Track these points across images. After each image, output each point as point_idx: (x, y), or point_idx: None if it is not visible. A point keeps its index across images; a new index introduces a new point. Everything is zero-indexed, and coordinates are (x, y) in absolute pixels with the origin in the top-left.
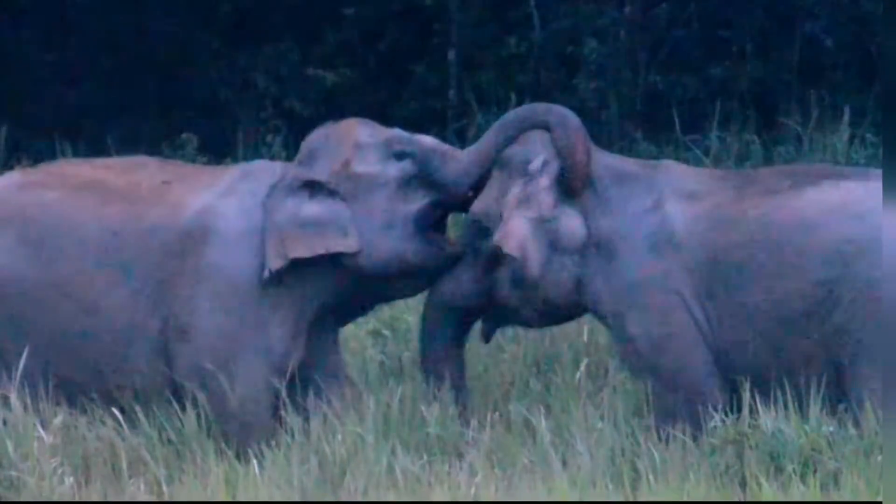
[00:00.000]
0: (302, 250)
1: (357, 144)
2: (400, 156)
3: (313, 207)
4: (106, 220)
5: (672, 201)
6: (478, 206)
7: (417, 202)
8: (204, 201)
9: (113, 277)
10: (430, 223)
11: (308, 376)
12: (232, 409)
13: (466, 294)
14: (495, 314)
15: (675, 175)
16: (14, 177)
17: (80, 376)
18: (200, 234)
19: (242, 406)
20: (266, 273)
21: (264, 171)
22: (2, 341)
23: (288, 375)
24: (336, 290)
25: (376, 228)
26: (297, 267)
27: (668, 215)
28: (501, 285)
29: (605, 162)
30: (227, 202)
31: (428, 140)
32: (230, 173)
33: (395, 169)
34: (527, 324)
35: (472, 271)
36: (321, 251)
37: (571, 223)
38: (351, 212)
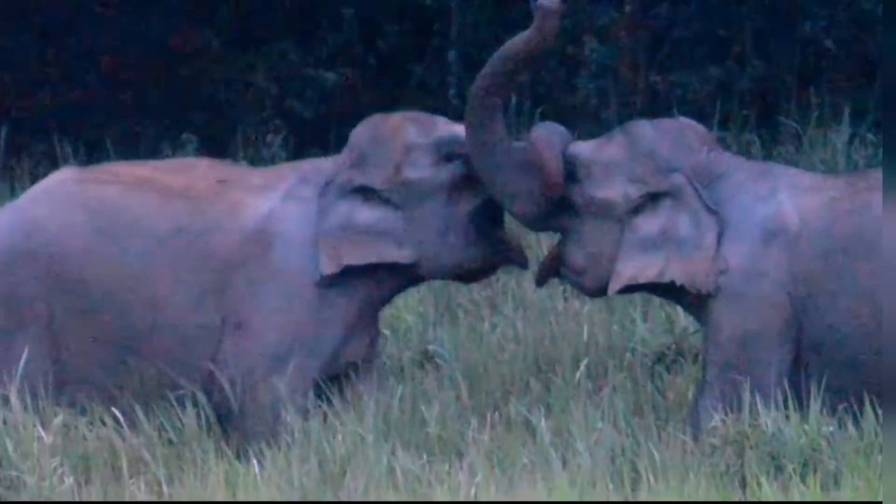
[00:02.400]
0: (356, 257)
1: (406, 147)
2: (449, 157)
3: (367, 214)
4: (170, 216)
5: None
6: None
7: (470, 202)
8: (266, 206)
9: (178, 274)
10: (486, 221)
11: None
12: (270, 407)
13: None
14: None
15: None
16: (67, 173)
17: (143, 370)
18: (265, 238)
19: (289, 404)
20: (319, 277)
21: (319, 174)
22: (65, 325)
23: (332, 374)
24: (392, 291)
25: (432, 236)
26: (353, 270)
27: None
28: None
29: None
30: (289, 207)
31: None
32: (286, 177)
33: (446, 172)
34: (584, 289)
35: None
36: (374, 260)
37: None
38: (405, 220)
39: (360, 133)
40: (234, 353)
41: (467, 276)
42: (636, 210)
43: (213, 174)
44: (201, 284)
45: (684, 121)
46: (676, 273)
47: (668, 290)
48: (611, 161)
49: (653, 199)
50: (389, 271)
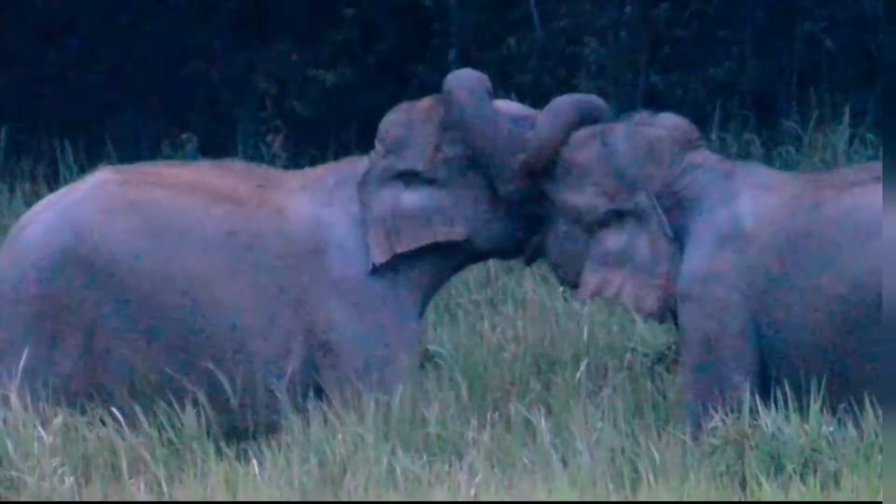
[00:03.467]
0: (408, 243)
1: (443, 126)
2: None
3: (414, 197)
4: (219, 219)
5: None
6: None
7: None
8: (310, 211)
9: (231, 277)
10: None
11: None
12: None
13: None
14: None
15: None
16: (108, 173)
17: (189, 374)
18: (317, 246)
19: (402, 405)
20: (371, 267)
21: (355, 173)
22: (111, 330)
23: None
24: (449, 272)
25: (481, 210)
26: (408, 258)
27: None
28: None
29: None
30: (333, 212)
31: (504, 107)
32: (323, 179)
33: None
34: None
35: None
36: (428, 241)
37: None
38: (452, 197)
39: (392, 121)
40: (334, 377)
41: (517, 248)
42: (602, 223)
43: (251, 177)
44: (255, 288)
45: (664, 124)
46: (628, 298)
47: None
48: (584, 168)
49: (618, 215)
50: (443, 253)
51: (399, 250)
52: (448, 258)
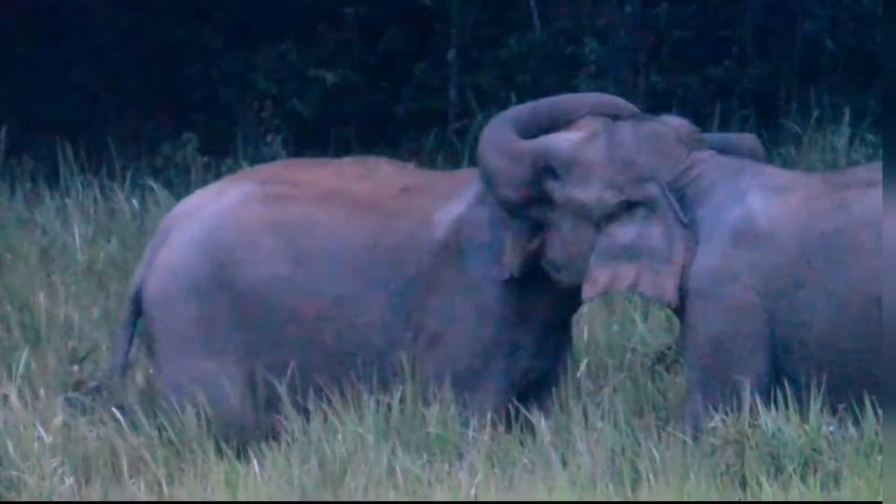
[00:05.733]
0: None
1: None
2: None
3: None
4: (358, 234)
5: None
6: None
7: None
8: (455, 213)
9: (370, 294)
10: None
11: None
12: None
13: None
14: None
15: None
16: (248, 187)
17: (333, 389)
18: (456, 247)
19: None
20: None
21: None
22: (259, 350)
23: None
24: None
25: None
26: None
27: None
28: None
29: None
30: (478, 213)
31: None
32: (473, 182)
33: None
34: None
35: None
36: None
37: None
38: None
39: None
40: (430, 365)
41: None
42: (612, 216)
43: (397, 180)
44: (392, 303)
45: (668, 122)
46: (646, 286)
47: None
48: (590, 163)
49: (628, 207)
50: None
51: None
52: (572, 298)
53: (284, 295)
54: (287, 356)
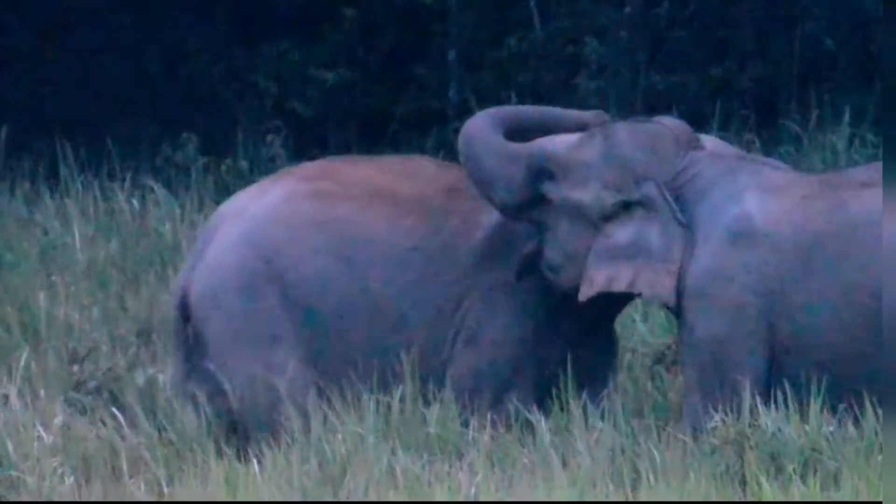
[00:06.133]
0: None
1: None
2: None
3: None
4: (403, 233)
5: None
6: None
7: None
8: (498, 215)
9: (415, 293)
10: None
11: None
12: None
13: None
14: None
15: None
16: (293, 184)
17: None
18: (498, 249)
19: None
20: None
21: None
22: (309, 345)
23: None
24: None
25: None
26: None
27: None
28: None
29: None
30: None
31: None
32: None
33: None
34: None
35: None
36: None
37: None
38: None
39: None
40: (460, 362)
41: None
42: (609, 216)
43: (442, 180)
44: (437, 303)
45: (665, 123)
46: (644, 285)
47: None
48: (587, 164)
49: (625, 207)
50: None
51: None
52: (611, 299)
53: (332, 292)
54: (332, 352)
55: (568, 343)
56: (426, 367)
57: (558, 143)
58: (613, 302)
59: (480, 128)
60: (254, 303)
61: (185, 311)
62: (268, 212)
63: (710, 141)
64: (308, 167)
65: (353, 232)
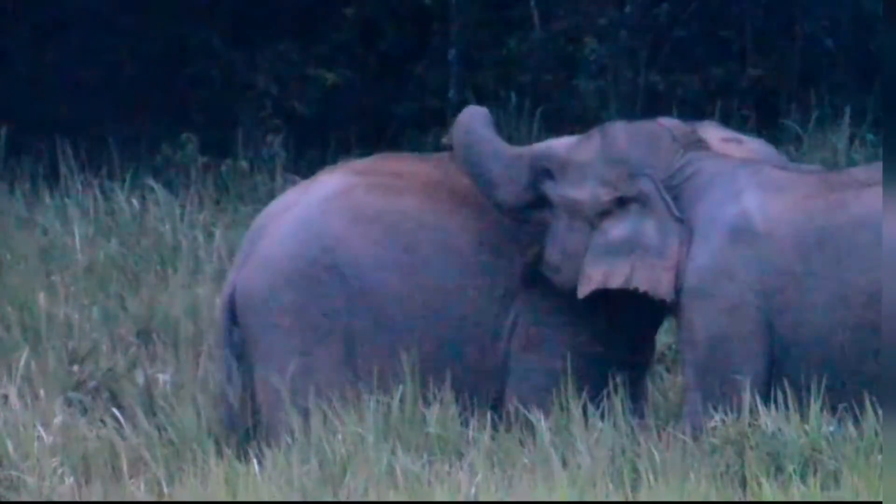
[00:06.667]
0: None
1: None
2: None
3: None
4: (463, 227)
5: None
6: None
7: None
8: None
9: (475, 287)
10: None
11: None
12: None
13: None
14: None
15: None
16: (347, 178)
17: (437, 381)
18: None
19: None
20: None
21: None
22: (363, 339)
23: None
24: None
25: None
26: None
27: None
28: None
29: None
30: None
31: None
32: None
33: None
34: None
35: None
36: None
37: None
38: None
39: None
40: (522, 365)
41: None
42: (605, 213)
43: None
44: (496, 296)
45: (663, 122)
46: (641, 281)
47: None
48: (584, 162)
49: (622, 203)
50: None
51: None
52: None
53: (393, 283)
54: (392, 343)
55: (622, 351)
56: (483, 363)
57: (558, 144)
58: (655, 309)
59: (476, 129)
60: (309, 295)
61: (232, 312)
62: (325, 203)
63: (755, 143)
64: (359, 163)
65: (414, 223)
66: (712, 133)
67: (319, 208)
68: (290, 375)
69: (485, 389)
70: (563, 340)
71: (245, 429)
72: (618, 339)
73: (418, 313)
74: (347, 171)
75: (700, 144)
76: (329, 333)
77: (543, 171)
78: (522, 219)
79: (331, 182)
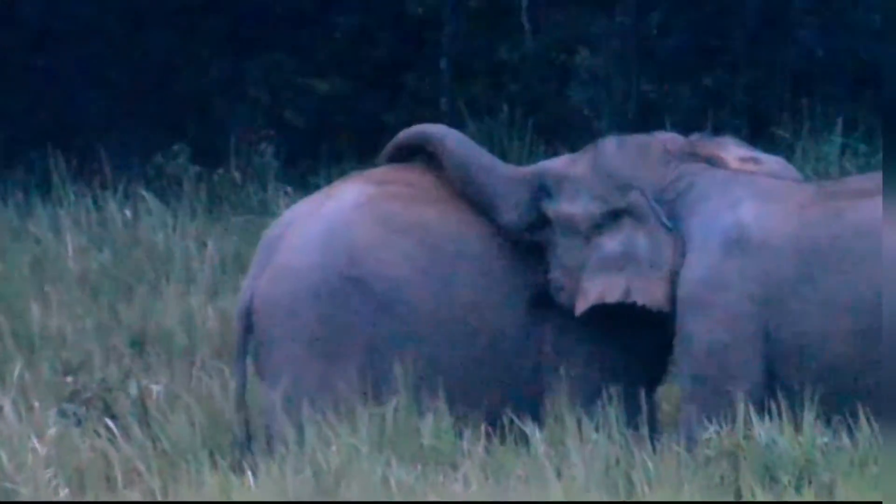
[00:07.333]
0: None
1: None
2: None
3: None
4: (488, 238)
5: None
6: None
7: None
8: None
9: (502, 299)
10: None
11: None
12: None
13: None
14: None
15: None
16: (366, 188)
17: (464, 394)
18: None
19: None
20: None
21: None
22: (387, 351)
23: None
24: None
25: None
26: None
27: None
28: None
29: None
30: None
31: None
32: None
33: None
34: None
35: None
36: None
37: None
38: None
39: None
40: (550, 379)
41: None
42: (599, 228)
43: None
44: (522, 308)
45: (658, 136)
46: (638, 294)
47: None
48: (577, 177)
49: (614, 217)
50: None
51: None
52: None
53: (418, 294)
54: (416, 354)
55: (650, 351)
56: (511, 373)
57: (556, 162)
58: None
59: (472, 153)
60: (333, 306)
61: (248, 322)
62: (347, 212)
63: (773, 162)
64: (374, 172)
65: (439, 234)
66: (731, 151)
67: (341, 220)
68: (308, 387)
69: (514, 399)
70: (592, 350)
71: (256, 439)
72: (641, 351)
73: (443, 325)
74: (365, 180)
75: (696, 157)
76: (351, 345)
77: (542, 189)
78: (526, 239)
79: (351, 192)
